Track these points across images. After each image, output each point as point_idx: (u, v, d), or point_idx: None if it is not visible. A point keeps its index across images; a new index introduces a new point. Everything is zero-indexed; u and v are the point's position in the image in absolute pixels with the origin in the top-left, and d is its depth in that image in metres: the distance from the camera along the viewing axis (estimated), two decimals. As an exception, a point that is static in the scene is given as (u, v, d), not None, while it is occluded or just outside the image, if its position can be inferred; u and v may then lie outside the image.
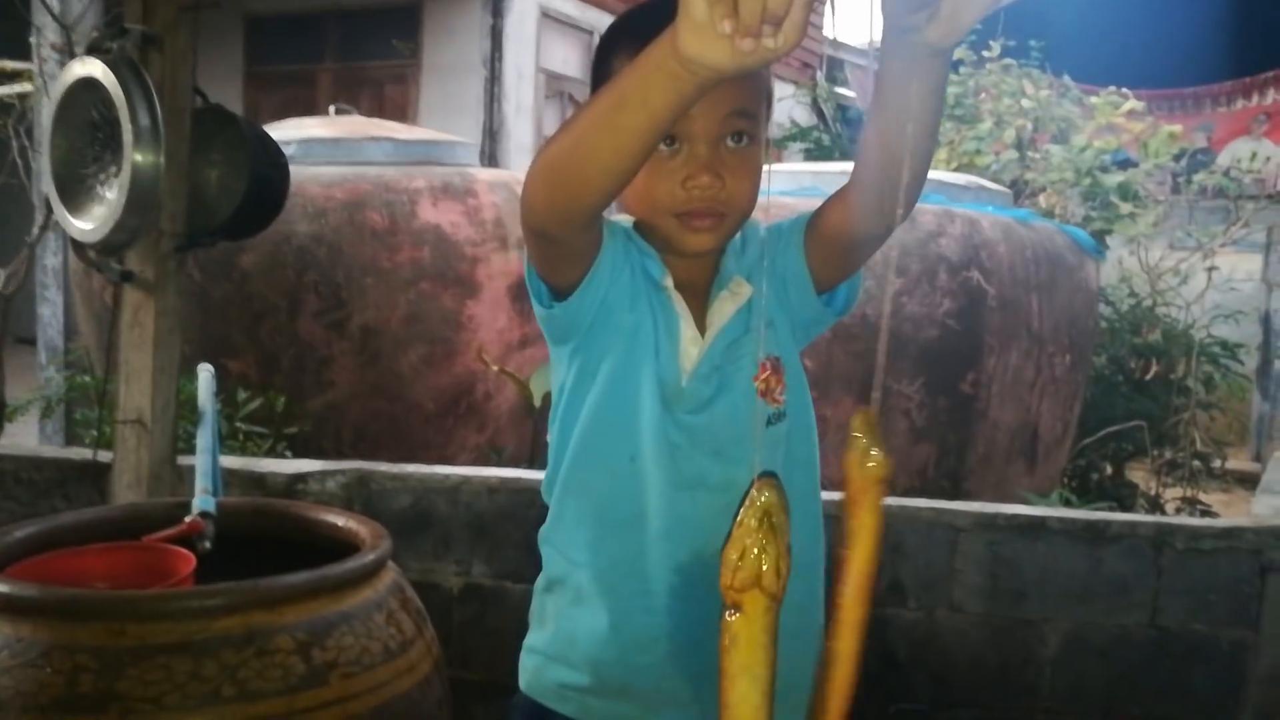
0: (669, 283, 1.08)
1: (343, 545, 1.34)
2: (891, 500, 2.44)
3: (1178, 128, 4.41)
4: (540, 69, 7.35)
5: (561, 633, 1.09)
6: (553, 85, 7.60)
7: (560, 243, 0.99)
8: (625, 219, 1.12)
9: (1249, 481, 4.72)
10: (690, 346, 1.08)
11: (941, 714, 2.02)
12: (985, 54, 4.96)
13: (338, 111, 3.57)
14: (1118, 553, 2.28)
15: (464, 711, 1.28)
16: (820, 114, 8.96)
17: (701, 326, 1.10)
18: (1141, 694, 2.30)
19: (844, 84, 10.31)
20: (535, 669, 1.12)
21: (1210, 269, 3.93)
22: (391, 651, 1.18)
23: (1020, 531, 2.27)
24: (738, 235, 1.11)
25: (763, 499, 0.77)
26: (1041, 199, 4.17)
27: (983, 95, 4.70)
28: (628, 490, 1.06)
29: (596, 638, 1.06)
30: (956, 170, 4.36)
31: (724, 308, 1.10)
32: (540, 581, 1.15)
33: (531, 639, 1.14)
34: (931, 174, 4.00)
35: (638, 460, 1.06)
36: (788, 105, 8.72)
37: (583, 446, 1.08)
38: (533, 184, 0.91)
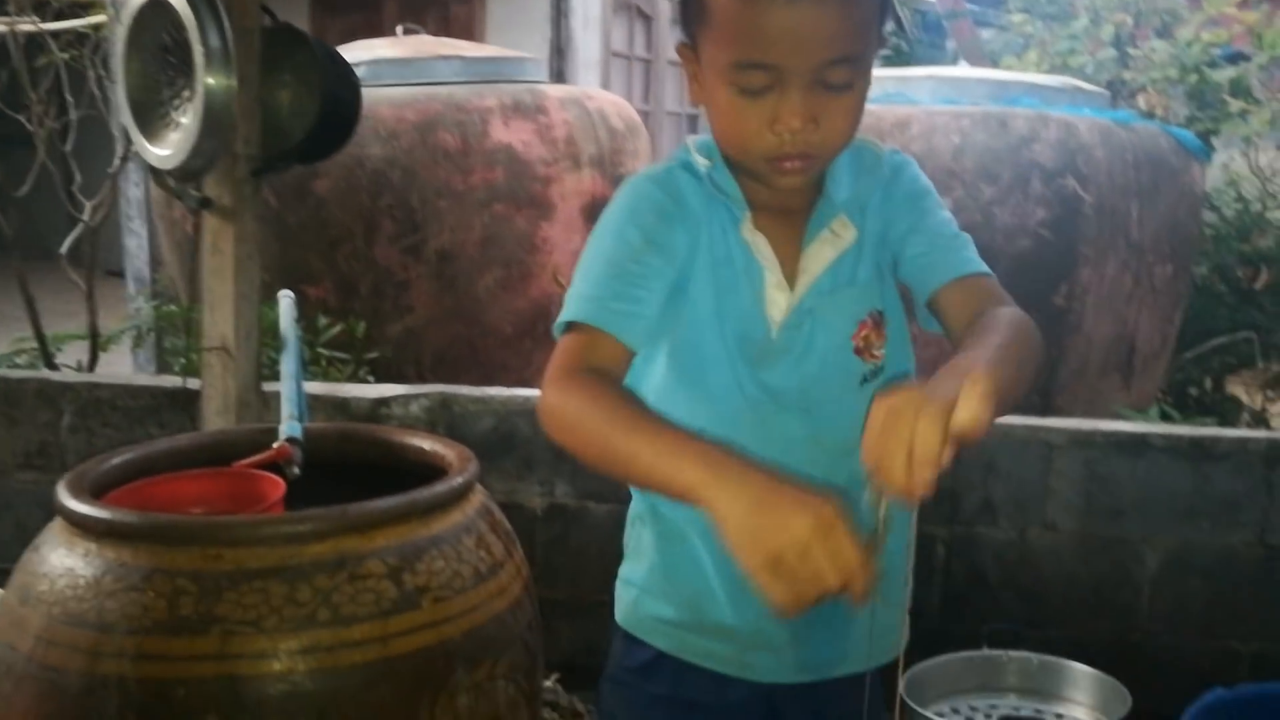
0: (748, 230, 1.01)
1: (430, 469, 1.33)
2: (982, 418, 2.36)
3: (1296, 17, 4.08)
4: (607, -19, 7.15)
5: (659, 567, 1.06)
6: (621, -2, 7.40)
7: None
8: (702, 147, 1.04)
9: None
10: (776, 293, 1.01)
11: (1033, 634, 1.98)
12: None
13: (405, 32, 3.51)
14: (1226, 470, 2.18)
15: (549, 630, 1.28)
16: (898, 20, 8.58)
17: (792, 269, 1.02)
18: (1247, 615, 2.22)
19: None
20: (632, 601, 1.10)
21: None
22: (482, 575, 1.17)
23: (1120, 448, 2.18)
24: (845, 154, 1.01)
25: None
26: (1141, 99, 3.93)
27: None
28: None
29: (697, 575, 1.04)
30: (1048, 72, 4.13)
31: (822, 252, 1.02)
32: (634, 509, 1.12)
33: (627, 570, 1.12)
34: (1023, 76, 3.81)
35: (713, 425, 0.97)
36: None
37: (661, 398, 1.03)
38: (557, 439, 0.92)
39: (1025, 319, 0.97)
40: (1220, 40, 3.98)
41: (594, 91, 3.34)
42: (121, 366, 3.65)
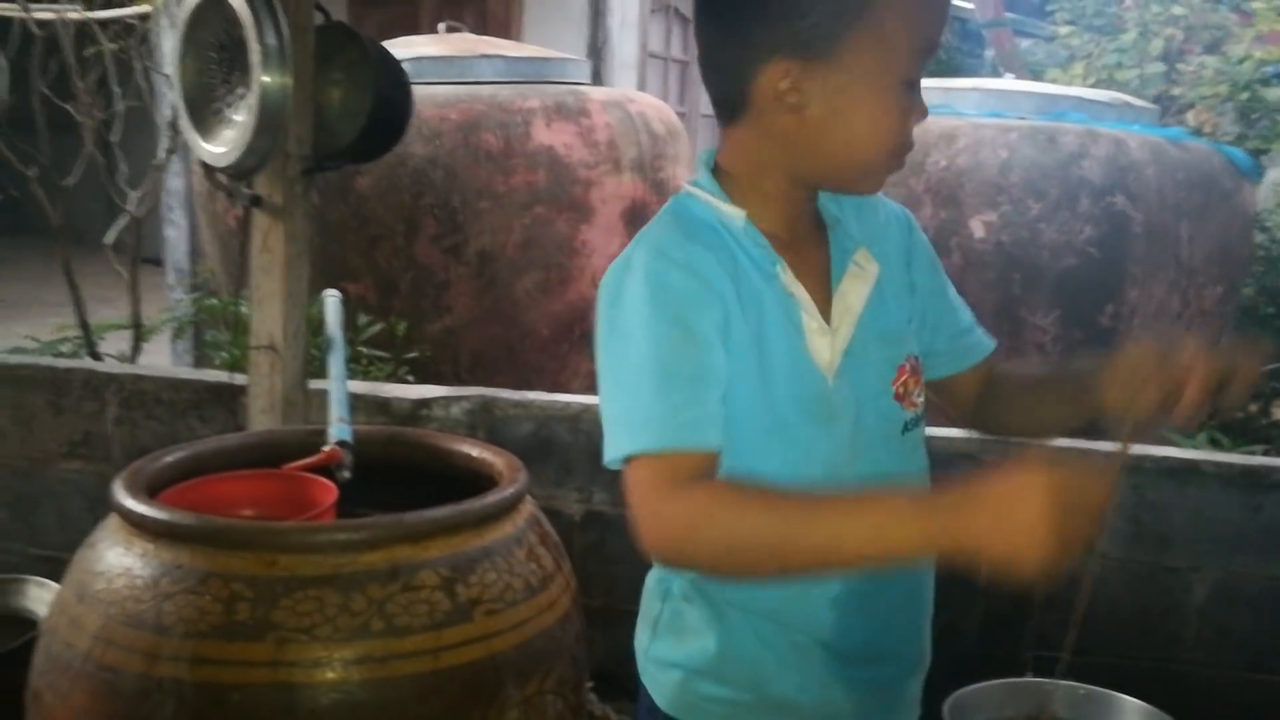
0: (787, 275, 0.95)
1: (477, 476, 1.32)
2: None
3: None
4: (646, -18, 7.14)
5: (714, 647, 1.00)
6: None
7: None
8: (707, 184, 0.97)
9: None
10: (820, 340, 0.95)
11: (1075, 660, 1.94)
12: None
13: (448, 29, 3.51)
14: (1277, 500, 2.13)
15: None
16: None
17: (826, 310, 0.96)
18: (1294, 648, 2.17)
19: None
20: (678, 684, 1.03)
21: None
22: (533, 587, 1.16)
23: (1170, 475, 2.14)
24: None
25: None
26: (1190, 116, 3.87)
27: (1126, 2, 4.35)
28: None
29: (761, 651, 0.99)
30: (1094, 86, 4.07)
31: (856, 289, 0.98)
32: (663, 584, 1.06)
33: (666, 651, 1.05)
34: (1072, 90, 3.77)
35: (782, 476, 0.92)
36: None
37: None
38: (693, 562, 0.89)
39: None
40: (1272, 58, 3.91)
41: (635, 94, 3.33)
42: (160, 357, 3.67)
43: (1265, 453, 3.20)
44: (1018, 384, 1.10)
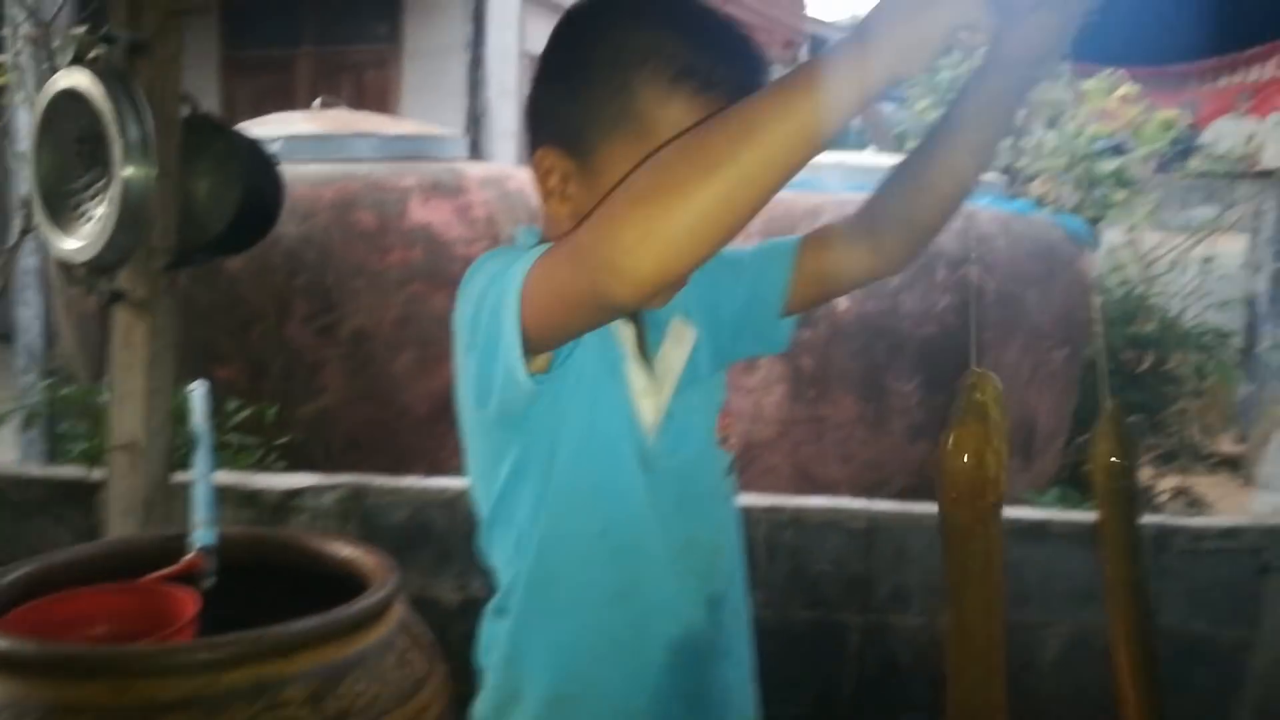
0: (618, 332, 0.94)
1: (348, 575, 1.31)
2: (893, 504, 2.43)
3: (1172, 113, 4.40)
4: (524, 51, 7.26)
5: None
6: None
7: (624, 311, 0.84)
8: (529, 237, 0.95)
9: (1235, 464, 4.81)
10: (644, 399, 0.95)
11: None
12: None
13: (323, 104, 3.50)
14: (1120, 555, 2.28)
15: None
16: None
17: (649, 370, 0.97)
18: (1143, 695, 2.30)
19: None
20: None
21: (1207, 259, 3.93)
22: (404, 694, 1.15)
23: (1023, 535, 2.26)
24: None
25: (981, 394, 0.76)
26: (1033, 186, 4.16)
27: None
28: (606, 567, 0.95)
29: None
30: (948, 158, 4.33)
31: (674, 355, 0.98)
32: (494, 698, 1.01)
33: None
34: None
35: (610, 534, 0.94)
36: (773, 87, 8.65)
37: (549, 537, 0.94)
38: (662, 249, 0.69)
39: None
40: (1104, 133, 4.25)
41: (514, 171, 3.37)
42: (7, 449, 3.47)
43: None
44: (907, 174, 0.97)
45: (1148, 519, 2.56)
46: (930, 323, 2.92)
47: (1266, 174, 5.90)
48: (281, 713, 1.02)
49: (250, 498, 2.07)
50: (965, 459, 0.75)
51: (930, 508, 2.39)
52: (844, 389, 2.86)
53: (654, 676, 0.97)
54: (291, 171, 2.69)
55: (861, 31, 0.67)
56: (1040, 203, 3.97)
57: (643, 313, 0.98)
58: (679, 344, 0.99)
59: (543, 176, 0.91)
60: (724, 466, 1.03)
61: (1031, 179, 4.24)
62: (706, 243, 0.69)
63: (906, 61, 0.66)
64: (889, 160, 3.79)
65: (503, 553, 0.98)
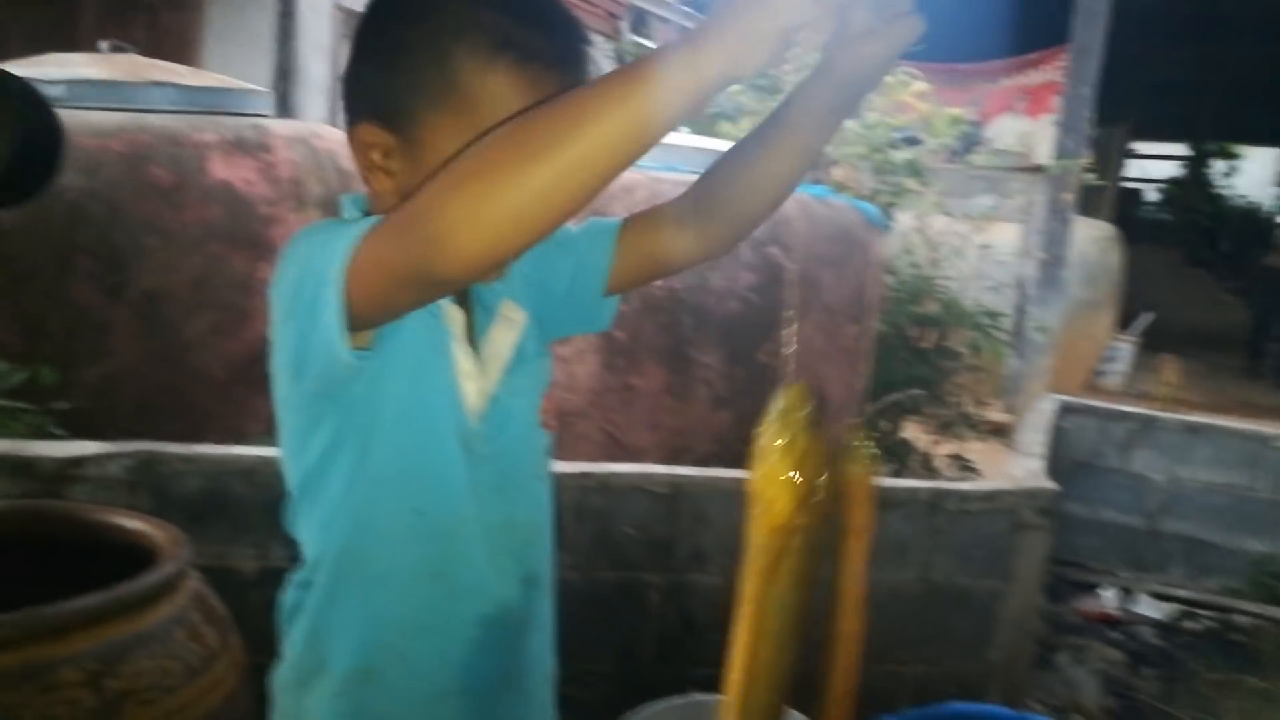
0: (445, 313, 0.95)
1: (135, 549, 1.27)
2: (695, 470, 2.54)
3: (960, 111, 4.73)
4: (338, 5, 6.96)
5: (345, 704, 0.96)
6: (351, 23, 7.22)
7: (450, 288, 0.84)
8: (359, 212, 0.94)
9: (1002, 431, 5.34)
10: (468, 382, 0.96)
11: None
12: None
13: (112, 48, 3.25)
14: (899, 516, 2.48)
15: (261, 698, 1.22)
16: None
17: (476, 352, 0.97)
18: (912, 641, 2.53)
19: (650, 38, 10.36)
20: None
21: (983, 246, 4.28)
22: (194, 669, 1.13)
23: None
24: None
25: (795, 411, 0.75)
26: (835, 171, 4.38)
27: (786, 67, 4.85)
28: (420, 546, 0.95)
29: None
30: (758, 140, 4.50)
31: (502, 338, 1.00)
32: (296, 669, 1.00)
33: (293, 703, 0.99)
34: (728, 145, 4.07)
35: (426, 513, 0.95)
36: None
37: (363, 514, 0.93)
38: (488, 229, 0.69)
39: None
40: (900, 125, 4.52)
41: (324, 130, 3.25)
42: None
43: (895, 471, 3.68)
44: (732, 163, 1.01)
45: (925, 483, 2.79)
46: (734, 299, 3.05)
47: (1038, 169, 6.48)
48: (56, 696, 0.99)
49: (24, 467, 1.93)
50: (775, 475, 0.76)
51: (729, 473, 2.50)
52: (653, 360, 2.96)
53: (464, 653, 0.98)
54: (74, 119, 2.51)
55: (698, 28, 0.69)
56: (840, 188, 4.20)
57: (473, 294, 0.98)
58: (508, 328, 1.00)
59: (363, 152, 0.90)
60: (545, 447, 1.05)
61: (834, 163, 4.46)
62: (532, 226, 0.70)
63: (743, 59, 0.67)
64: (703, 141, 3.91)
65: (311, 526, 0.97)
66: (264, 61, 6.38)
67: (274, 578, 2.14)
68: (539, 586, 1.05)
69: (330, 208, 3.06)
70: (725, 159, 1.01)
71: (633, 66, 0.70)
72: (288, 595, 1.02)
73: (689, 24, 10.23)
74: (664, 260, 1.07)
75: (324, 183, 3.04)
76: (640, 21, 10.83)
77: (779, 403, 0.77)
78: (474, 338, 0.98)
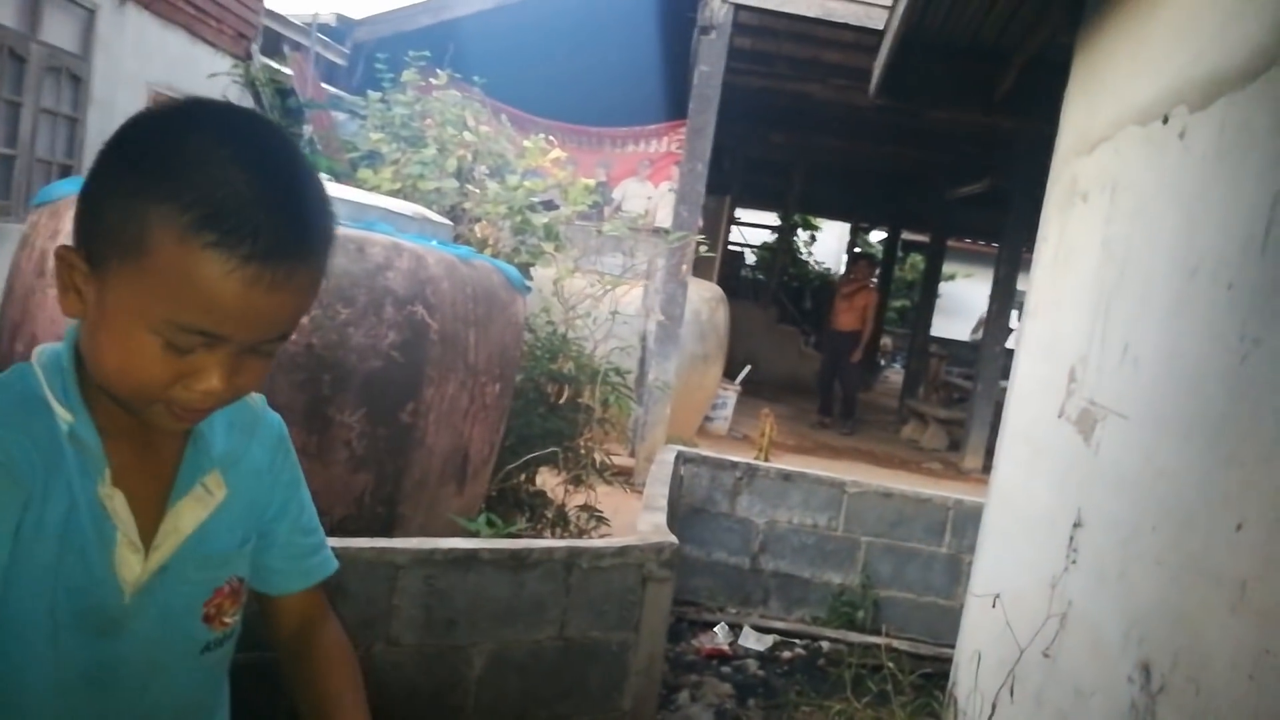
0: (105, 489, 0.91)
1: None
2: (334, 540, 2.46)
3: (593, 181, 5.05)
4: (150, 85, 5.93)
5: None
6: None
7: None
8: (52, 366, 0.92)
9: (627, 474, 5.76)
10: (130, 555, 0.92)
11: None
12: (434, 81, 5.17)
13: None
14: (537, 576, 2.58)
15: None
16: (256, 97, 8.53)
17: (153, 527, 0.94)
18: (549, 698, 2.63)
19: (283, 63, 9.91)
20: None
21: (614, 313, 4.58)
22: None
23: (455, 564, 2.45)
24: None
25: None
26: (478, 228, 4.48)
27: (429, 121, 4.89)
28: None
29: None
30: (400, 191, 4.49)
31: (193, 510, 0.97)
32: None
33: None
34: (380, 201, 4.12)
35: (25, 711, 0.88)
36: (221, 83, 8.16)
37: None
38: None
39: (352, 653, 1.12)
40: (539, 188, 4.74)
41: None
42: None
43: (527, 521, 3.81)
44: (307, 685, 1.13)
45: (561, 542, 2.92)
46: (377, 357, 3.01)
47: (658, 231, 7.06)
48: None
49: None
50: None
51: (369, 543, 2.45)
52: (289, 420, 2.82)
53: None
54: None
55: None
56: (481, 245, 4.30)
57: (191, 449, 0.97)
58: (201, 503, 0.98)
59: (65, 269, 0.89)
60: (204, 641, 1.01)
61: (477, 220, 4.57)
62: None
63: None
64: (340, 193, 3.83)
65: None
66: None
67: None
68: None
69: None
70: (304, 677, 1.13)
71: None
72: None
73: (323, 50, 9.93)
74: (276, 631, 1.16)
75: None
76: (273, 45, 10.34)
77: None
78: (169, 502, 0.97)
